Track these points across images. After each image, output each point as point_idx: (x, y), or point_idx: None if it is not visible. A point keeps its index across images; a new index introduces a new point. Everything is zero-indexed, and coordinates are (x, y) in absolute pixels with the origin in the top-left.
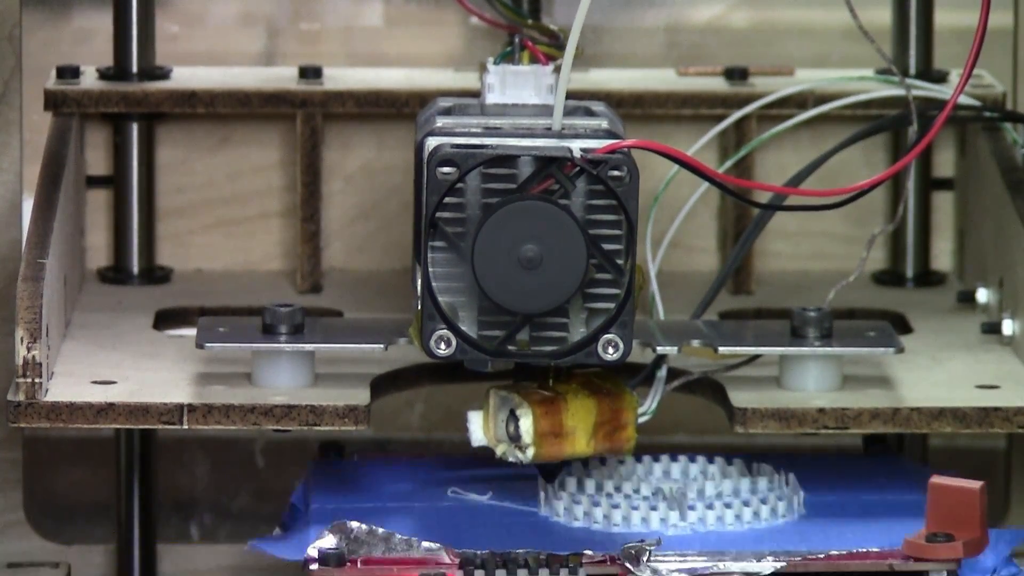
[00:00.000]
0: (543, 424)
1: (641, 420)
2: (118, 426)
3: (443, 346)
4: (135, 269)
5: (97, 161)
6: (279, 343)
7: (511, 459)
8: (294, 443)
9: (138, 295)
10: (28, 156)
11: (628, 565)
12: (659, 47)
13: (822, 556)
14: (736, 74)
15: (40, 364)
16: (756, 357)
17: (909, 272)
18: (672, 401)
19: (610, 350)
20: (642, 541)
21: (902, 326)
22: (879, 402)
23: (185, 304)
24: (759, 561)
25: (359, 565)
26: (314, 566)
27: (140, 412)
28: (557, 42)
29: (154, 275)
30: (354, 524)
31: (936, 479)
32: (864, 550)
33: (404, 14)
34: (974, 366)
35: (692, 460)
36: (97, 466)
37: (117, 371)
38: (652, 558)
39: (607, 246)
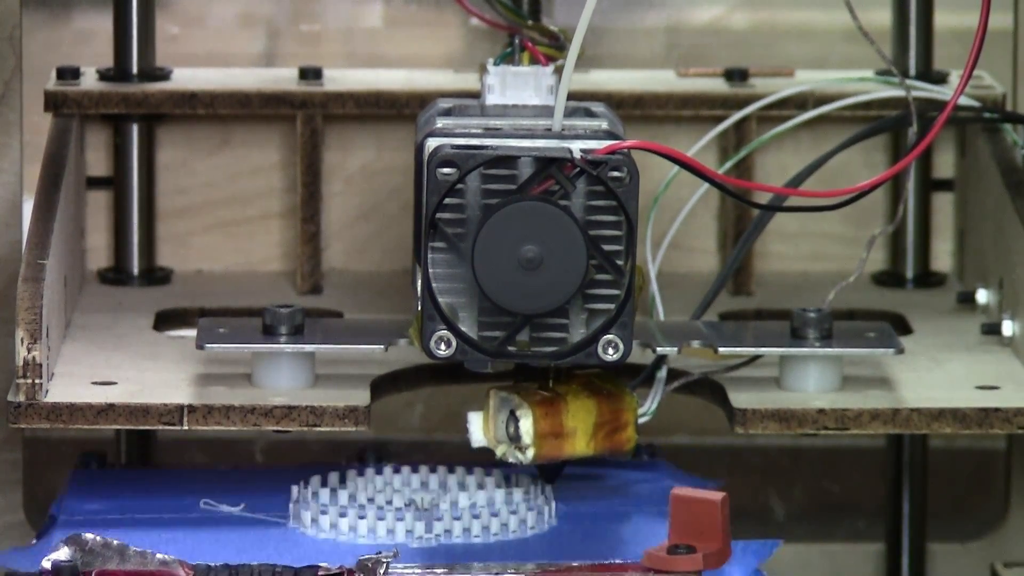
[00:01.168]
0: (543, 425)
1: (641, 421)
2: (118, 427)
3: (443, 347)
4: (135, 270)
5: (97, 162)
6: (279, 344)
7: (511, 460)
8: (294, 444)
9: (138, 296)
10: (28, 157)
11: None
12: (659, 48)
13: (563, 568)
14: (736, 75)
15: (40, 365)
16: (756, 358)
17: (909, 273)
18: (672, 402)
19: (610, 351)
20: (379, 552)
21: (902, 327)
22: (879, 403)
23: (185, 305)
24: (499, 574)
25: None
26: None
27: (140, 413)
28: (557, 43)
29: (154, 276)
30: (89, 536)
31: (677, 490)
32: (606, 563)
33: (404, 15)
34: (974, 367)
35: (451, 471)
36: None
37: (117, 372)
38: (389, 570)
39: (607, 247)
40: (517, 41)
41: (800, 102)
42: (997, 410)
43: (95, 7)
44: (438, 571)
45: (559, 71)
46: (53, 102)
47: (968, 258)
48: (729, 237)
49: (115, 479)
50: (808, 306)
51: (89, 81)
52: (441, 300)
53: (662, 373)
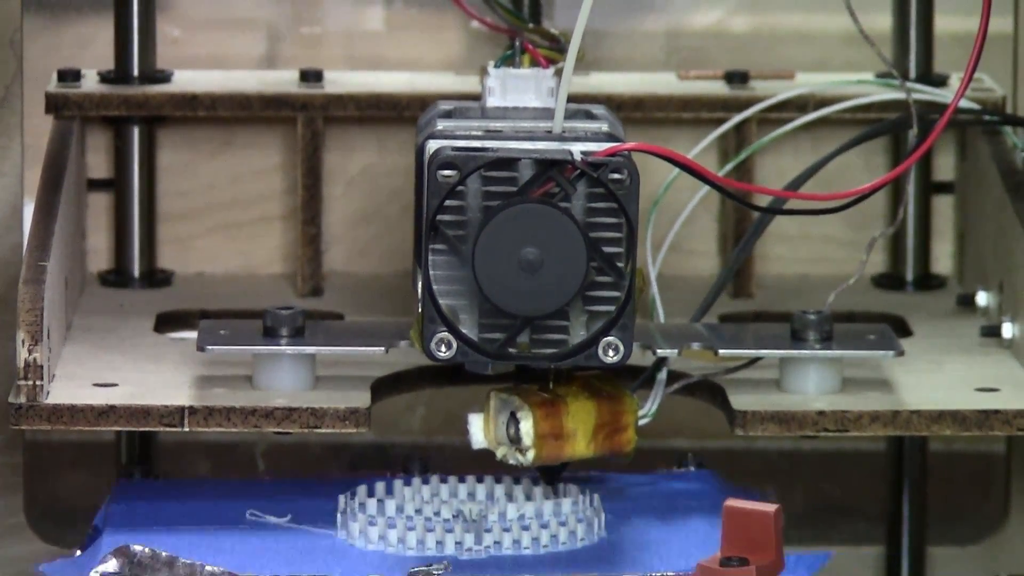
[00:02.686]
0: (543, 426)
1: (641, 423)
2: (119, 428)
3: (444, 349)
4: (136, 272)
5: (98, 164)
6: (280, 346)
7: (512, 461)
8: (295, 446)
9: (139, 298)
10: (29, 159)
11: None
12: (659, 51)
13: None
14: (736, 78)
15: (41, 367)
16: (756, 360)
17: (909, 275)
18: (672, 404)
19: (610, 353)
20: (430, 565)
21: (902, 329)
22: (879, 405)
23: (186, 307)
24: None
25: None
26: None
27: (141, 414)
28: (558, 46)
29: (155, 278)
30: (137, 548)
31: (731, 502)
32: (657, 574)
33: (405, 18)
34: (974, 369)
35: (498, 481)
36: (98, 469)
37: (118, 374)
38: None
39: (607, 249)
40: (517, 44)
41: (800, 105)
42: (997, 412)
43: (96, 11)
44: None
45: (559, 73)
46: (54, 104)
47: (968, 261)
48: (729, 240)
49: (159, 489)
50: (808, 308)
51: (90, 83)
52: (442, 302)
53: (662, 375)
